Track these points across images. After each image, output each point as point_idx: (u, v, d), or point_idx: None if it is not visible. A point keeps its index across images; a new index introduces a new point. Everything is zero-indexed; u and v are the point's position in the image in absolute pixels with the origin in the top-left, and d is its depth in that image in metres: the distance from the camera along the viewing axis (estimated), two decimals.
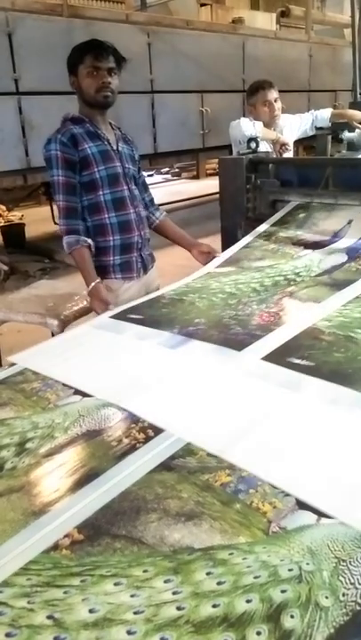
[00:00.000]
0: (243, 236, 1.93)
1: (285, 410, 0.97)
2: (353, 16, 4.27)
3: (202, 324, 1.35)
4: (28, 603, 0.63)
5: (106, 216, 1.74)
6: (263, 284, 1.56)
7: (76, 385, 1.10)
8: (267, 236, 1.85)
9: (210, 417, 0.98)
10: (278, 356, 1.14)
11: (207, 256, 1.86)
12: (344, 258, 1.62)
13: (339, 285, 1.47)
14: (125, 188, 1.78)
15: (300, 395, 1.00)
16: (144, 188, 1.94)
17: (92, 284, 1.67)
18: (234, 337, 1.26)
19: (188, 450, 0.88)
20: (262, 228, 1.92)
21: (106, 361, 1.23)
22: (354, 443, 0.87)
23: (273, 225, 1.92)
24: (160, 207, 2.02)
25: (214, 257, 1.84)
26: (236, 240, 1.92)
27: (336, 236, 1.74)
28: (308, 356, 1.13)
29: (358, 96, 3.52)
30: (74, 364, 1.22)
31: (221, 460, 0.86)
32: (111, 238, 1.75)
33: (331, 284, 1.49)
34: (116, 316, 1.47)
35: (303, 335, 1.22)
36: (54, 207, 1.78)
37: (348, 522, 0.71)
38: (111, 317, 1.47)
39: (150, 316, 1.44)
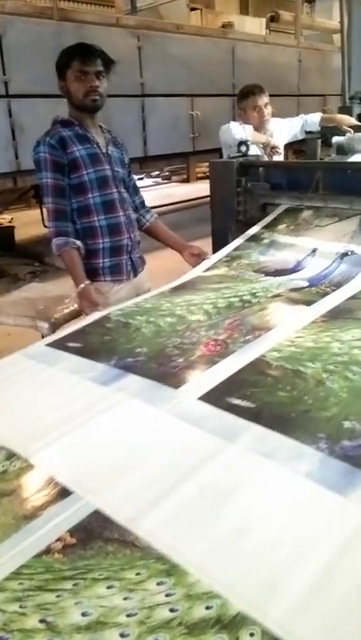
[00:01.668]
0: (233, 239, 1.94)
1: (213, 467, 0.83)
2: (342, 21, 4.32)
3: (142, 354, 1.21)
4: (20, 607, 0.63)
5: (95, 219, 1.74)
6: (216, 306, 1.44)
7: None
8: (228, 261, 1.79)
9: (126, 475, 0.84)
10: (217, 396, 1.01)
11: (198, 258, 1.86)
12: (305, 284, 1.56)
13: (296, 308, 1.38)
14: (115, 190, 1.78)
15: (233, 446, 0.87)
16: (134, 190, 1.95)
17: (82, 285, 1.66)
18: (173, 371, 1.13)
19: None
20: (253, 230, 1.93)
21: (26, 401, 1.09)
22: (278, 512, 0.73)
23: (262, 228, 1.92)
24: (151, 209, 2.03)
25: (205, 259, 1.84)
26: (226, 243, 1.93)
27: (299, 265, 1.69)
28: (250, 395, 1.00)
29: (347, 101, 3.54)
30: None
31: None
32: (101, 241, 1.76)
33: (287, 307, 1.41)
34: (55, 344, 1.32)
35: (248, 369, 1.10)
36: (44, 210, 1.77)
37: (261, 619, 0.59)
38: (48, 345, 1.33)
39: (90, 344, 1.30)
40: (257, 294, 1.50)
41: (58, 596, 0.64)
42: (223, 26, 6.41)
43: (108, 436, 0.95)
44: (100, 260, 1.77)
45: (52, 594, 0.65)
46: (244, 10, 9.94)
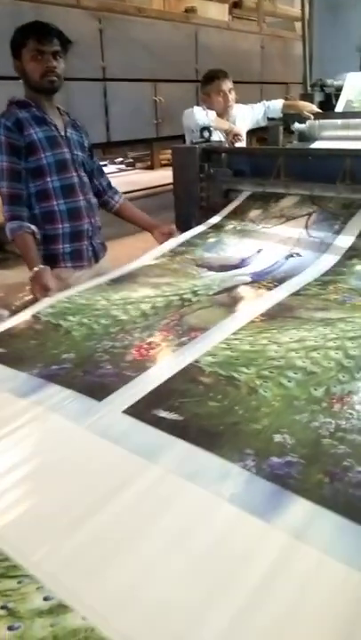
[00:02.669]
0: (197, 225, 1.94)
1: (129, 493, 0.76)
2: (303, 9, 4.33)
3: (69, 360, 1.12)
4: None
5: (55, 203, 1.71)
6: (155, 306, 1.35)
7: None
8: (172, 257, 1.74)
9: (30, 504, 0.76)
10: (144, 408, 0.93)
11: (168, 237, 1.86)
12: (248, 279, 1.51)
13: (236, 306, 1.33)
14: (74, 174, 1.75)
15: (154, 467, 0.80)
16: (99, 173, 1.92)
17: (35, 269, 1.61)
18: (99, 380, 1.04)
19: None
20: (215, 220, 1.93)
21: None
22: (195, 545, 0.67)
23: (224, 218, 1.92)
24: (118, 191, 2.00)
25: (175, 237, 1.84)
26: (189, 229, 1.93)
27: (243, 262, 1.66)
28: (179, 406, 0.93)
29: (309, 88, 3.57)
30: None
31: None
32: (60, 226, 1.72)
33: (227, 305, 1.34)
34: None
35: (180, 376, 1.02)
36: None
37: None
38: None
39: (15, 349, 1.20)
40: (198, 292, 1.43)
41: (19, 582, 0.64)
42: (186, 10, 6.33)
43: (18, 459, 0.85)
44: (60, 246, 1.74)
45: (14, 580, 0.64)
46: None
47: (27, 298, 2.02)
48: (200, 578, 0.63)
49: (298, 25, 6.84)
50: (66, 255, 1.76)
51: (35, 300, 1.52)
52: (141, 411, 0.93)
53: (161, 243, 1.84)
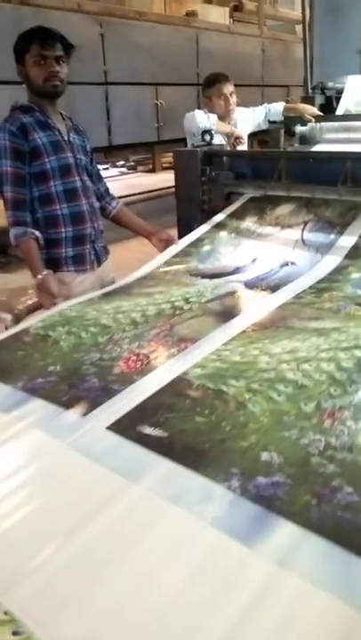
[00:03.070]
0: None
1: (107, 518, 0.72)
2: (303, 12, 4.32)
3: (55, 373, 1.09)
4: None
5: (58, 207, 1.71)
6: (145, 314, 1.31)
7: None
8: (165, 267, 1.71)
9: (9, 528, 0.72)
10: (128, 424, 0.90)
11: (166, 243, 1.85)
12: (241, 286, 1.49)
13: (228, 315, 1.28)
14: (77, 178, 1.75)
15: (136, 488, 0.76)
16: (98, 178, 1.92)
17: (39, 276, 1.61)
18: (84, 394, 1.00)
19: None
20: (218, 217, 1.93)
21: None
22: (174, 573, 0.63)
23: (220, 222, 1.91)
24: (115, 197, 2.01)
25: (173, 244, 1.83)
26: (191, 232, 1.93)
27: (238, 270, 1.63)
28: (164, 421, 0.89)
29: (310, 91, 3.57)
30: None
31: None
32: (63, 230, 1.73)
33: (219, 313, 1.31)
34: None
35: (167, 390, 0.99)
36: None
37: None
38: None
39: (1, 361, 1.18)
40: (190, 299, 1.40)
41: None
42: (187, 14, 6.35)
43: None
44: (63, 250, 1.74)
45: None
46: None
47: (29, 302, 2.03)
48: (180, 606, 0.60)
49: (298, 28, 6.86)
50: (68, 259, 1.76)
51: (40, 306, 1.51)
52: (125, 427, 0.90)
53: (161, 250, 1.83)
